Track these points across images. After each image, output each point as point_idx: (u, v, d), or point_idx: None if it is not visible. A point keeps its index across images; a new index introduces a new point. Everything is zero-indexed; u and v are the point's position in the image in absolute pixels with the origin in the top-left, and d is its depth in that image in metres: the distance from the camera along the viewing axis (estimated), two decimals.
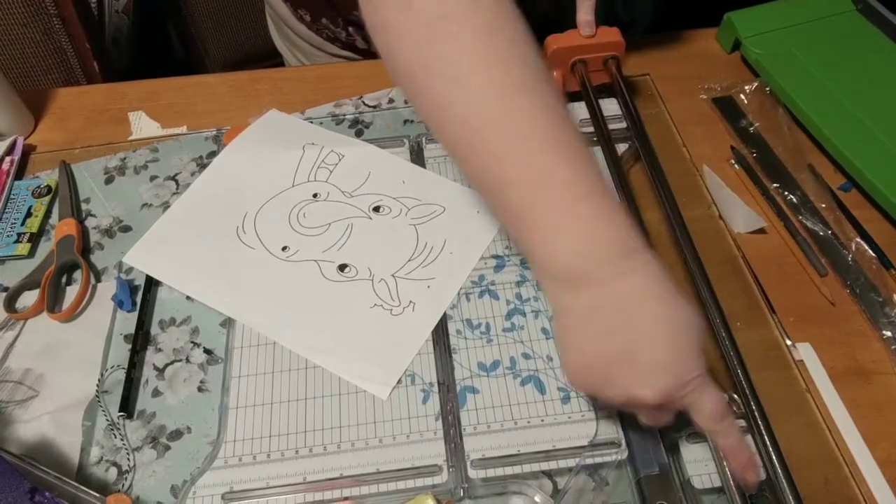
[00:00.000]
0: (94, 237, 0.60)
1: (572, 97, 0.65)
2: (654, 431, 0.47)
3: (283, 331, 0.53)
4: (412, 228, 0.59)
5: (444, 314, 0.54)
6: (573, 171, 0.38)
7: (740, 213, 0.59)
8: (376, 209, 0.60)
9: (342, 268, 0.56)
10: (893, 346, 0.52)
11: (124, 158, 0.66)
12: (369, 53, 0.78)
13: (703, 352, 0.38)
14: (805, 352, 0.52)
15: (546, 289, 0.42)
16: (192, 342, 0.53)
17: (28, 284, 0.56)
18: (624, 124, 0.65)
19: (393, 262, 0.57)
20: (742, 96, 0.69)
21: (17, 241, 0.59)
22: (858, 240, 0.57)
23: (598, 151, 0.63)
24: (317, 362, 0.51)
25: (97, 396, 0.50)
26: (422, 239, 0.58)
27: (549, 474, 0.46)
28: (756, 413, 0.45)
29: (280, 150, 0.64)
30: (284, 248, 0.57)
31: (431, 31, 0.39)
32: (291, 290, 0.55)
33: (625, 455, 0.46)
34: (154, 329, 0.54)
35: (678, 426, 0.47)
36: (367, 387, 0.50)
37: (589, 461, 0.46)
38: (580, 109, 0.65)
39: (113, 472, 0.47)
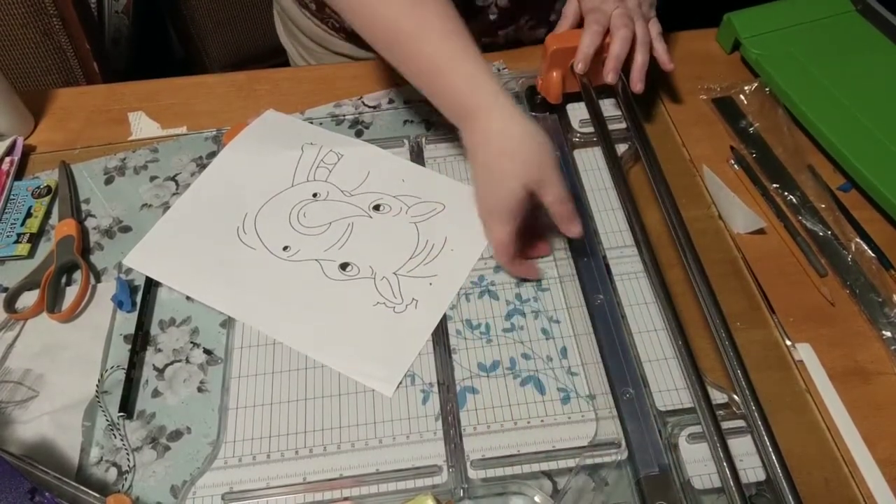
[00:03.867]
0: (93, 237, 0.60)
1: (572, 97, 0.66)
2: (653, 432, 0.47)
3: (286, 330, 0.53)
4: (412, 226, 0.59)
5: (444, 314, 0.54)
6: (464, 46, 0.54)
7: (740, 213, 0.59)
8: (376, 208, 0.60)
9: (344, 266, 0.56)
10: (893, 347, 0.52)
11: (124, 159, 0.66)
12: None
13: (553, 154, 0.52)
14: (805, 352, 0.52)
15: (461, 131, 0.56)
16: (191, 342, 0.53)
17: (28, 285, 0.56)
18: (624, 125, 0.65)
19: (394, 260, 0.57)
20: (742, 97, 0.69)
21: (16, 242, 0.59)
22: (858, 240, 0.57)
23: (598, 151, 0.63)
24: (320, 361, 0.51)
25: (97, 397, 0.50)
26: (422, 237, 0.58)
27: (548, 475, 0.46)
28: (756, 413, 0.45)
29: (278, 149, 0.64)
30: (285, 248, 0.57)
31: None
32: (294, 290, 0.55)
33: (625, 455, 0.46)
34: (154, 329, 0.54)
35: (678, 426, 0.47)
36: (372, 384, 0.50)
37: (589, 461, 0.46)
38: (580, 110, 0.65)
39: (113, 472, 0.47)
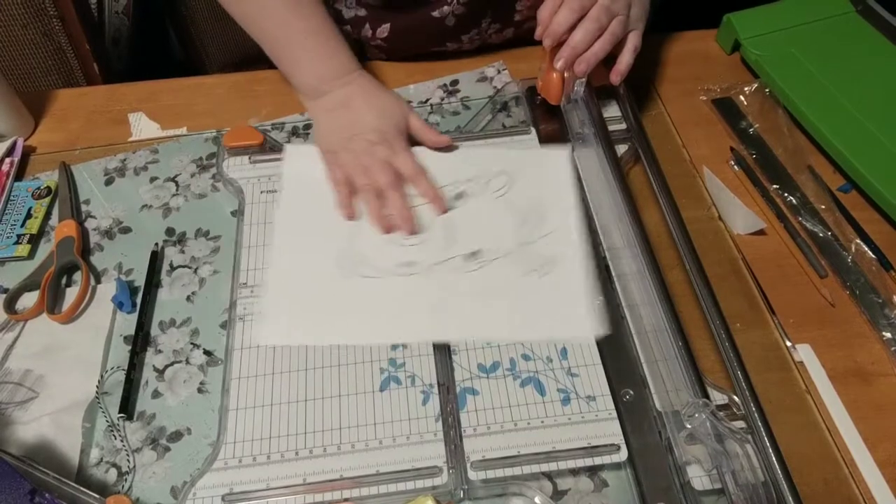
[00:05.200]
0: (93, 238, 0.60)
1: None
2: (653, 433, 0.47)
3: (460, 329, 0.52)
4: (502, 200, 0.60)
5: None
6: (308, 23, 0.63)
7: (740, 214, 0.59)
8: (459, 197, 0.61)
9: (473, 255, 0.56)
10: (893, 348, 0.52)
11: (124, 160, 0.66)
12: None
13: (405, 121, 0.63)
14: (805, 353, 0.52)
15: (306, 105, 0.67)
16: (192, 343, 0.53)
17: (28, 286, 0.56)
18: (624, 125, 0.65)
19: (510, 232, 0.58)
20: (742, 97, 0.69)
21: (16, 243, 0.59)
22: (858, 241, 0.57)
23: (598, 152, 0.63)
24: (514, 339, 0.52)
25: (97, 398, 0.50)
26: (516, 205, 0.59)
27: (548, 476, 0.46)
28: (756, 414, 0.45)
29: (326, 187, 0.62)
30: (407, 265, 0.56)
31: None
32: (442, 295, 0.54)
33: (625, 457, 0.46)
34: (154, 330, 0.54)
35: (678, 427, 0.47)
36: (578, 333, 0.52)
37: (589, 463, 0.46)
38: (580, 111, 0.65)
39: (113, 473, 0.47)
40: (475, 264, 0.56)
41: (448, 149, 0.64)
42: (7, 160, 0.64)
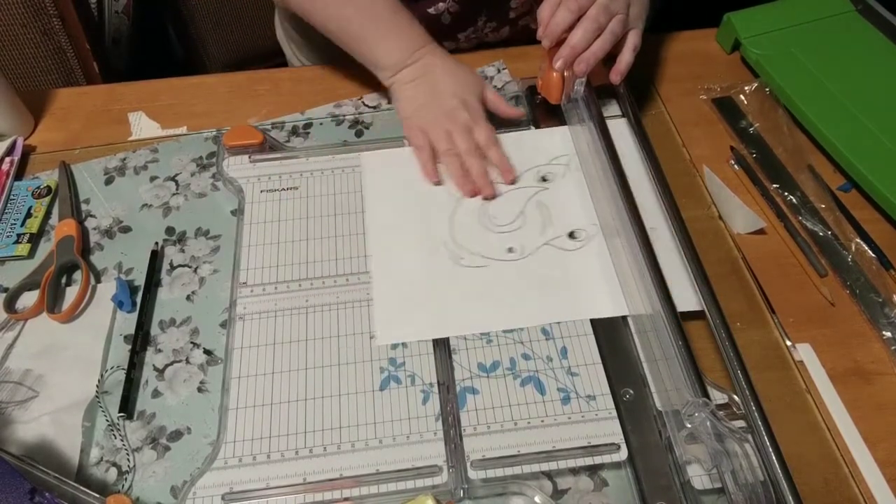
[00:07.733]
0: (93, 238, 0.60)
1: None
2: (653, 432, 0.47)
3: (587, 311, 0.53)
4: (585, 176, 0.61)
5: None
6: (386, 5, 0.64)
7: (740, 213, 0.59)
8: (544, 179, 0.62)
9: (572, 235, 0.57)
10: (893, 347, 0.52)
11: (124, 159, 0.66)
12: None
13: (482, 92, 0.65)
14: (805, 352, 0.52)
15: (388, 81, 0.66)
16: (191, 343, 0.53)
17: (28, 285, 0.56)
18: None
19: (605, 207, 0.58)
20: (742, 97, 0.69)
21: (16, 242, 0.59)
22: (858, 240, 0.57)
23: (598, 151, 0.63)
24: (636, 313, 0.53)
25: (97, 397, 0.50)
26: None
27: (548, 475, 0.46)
28: (756, 413, 0.45)
29: (412, 182, 0.62)
30: (510, 250, 0.57)
31: None
32: (551, 276, 0.55)
33: (625, 456, 0.46)
34: (154, 330, 0.54)
35: (678, 427, 0.47)
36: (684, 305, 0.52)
37: (589, 462, 0.46)
38: (580, 110, 0.65)
39: (113, 472, 0.47)
40: (578, 243, 0.57)
41: (519, 134, 0.65)
42: (7, 159, 0.64)
